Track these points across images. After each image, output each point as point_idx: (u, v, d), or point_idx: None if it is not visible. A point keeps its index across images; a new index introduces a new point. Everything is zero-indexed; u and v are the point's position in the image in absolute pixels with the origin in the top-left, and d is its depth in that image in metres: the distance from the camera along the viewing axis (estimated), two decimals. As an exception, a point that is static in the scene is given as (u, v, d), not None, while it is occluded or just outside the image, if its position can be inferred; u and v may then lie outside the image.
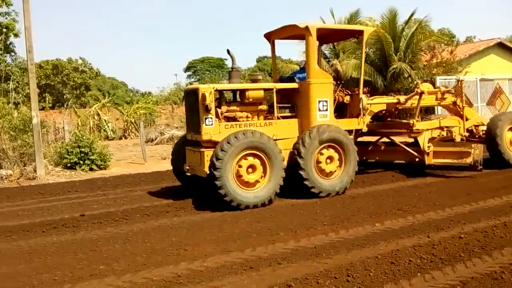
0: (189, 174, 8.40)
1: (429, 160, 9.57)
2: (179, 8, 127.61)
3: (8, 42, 23.65)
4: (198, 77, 56.11)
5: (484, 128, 10.65)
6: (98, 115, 27.79)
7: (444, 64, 21.75)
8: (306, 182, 7.85)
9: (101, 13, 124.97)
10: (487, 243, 5.14)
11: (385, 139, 10.71)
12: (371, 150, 10.65)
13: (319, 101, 8.44)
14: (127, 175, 11.91)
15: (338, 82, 9.63)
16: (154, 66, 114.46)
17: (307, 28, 8.36)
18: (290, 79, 9.35)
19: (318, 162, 8.05)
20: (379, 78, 20.85)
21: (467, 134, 10.47)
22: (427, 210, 6.78)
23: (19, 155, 12.81)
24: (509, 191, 7.83)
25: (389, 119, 10.66)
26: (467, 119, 10.51)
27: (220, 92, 8.31)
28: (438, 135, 10.21)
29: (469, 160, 9.11)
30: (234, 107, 8.24)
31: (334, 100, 8.90)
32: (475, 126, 10.92)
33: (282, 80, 9.77)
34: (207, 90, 7.72)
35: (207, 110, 7.63)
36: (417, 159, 9.70)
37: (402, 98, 9.99)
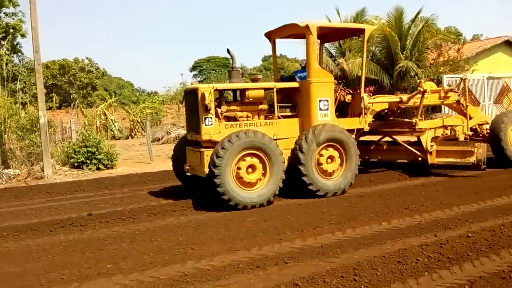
0: (189, 174, 8.36)
1: (432, 159, 9.48)
2: (185, 8, 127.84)
3: (15, 43, 23.76)
4: (204, 76, 56.14)
5: (488, 127, 10.58)
6: (105, 114, 27.93)
7: (451, 63, 21.66)
8: (307, 182, 7.80)
9: (107, 13, 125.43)
10: (494, 242, 5.10)
11: (387, 138, 10.64)
12: (374, 149, 10.58)
13: (320, 100, 8.39)
14: (134, 174, 11.96)
15: (340, 81, 9.58)
16: (160, 66, 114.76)
17: (307, 26, 8.30)
18: (291, 78, 9.29)
19: (318, 162, 7.99)
20: (385, 76, 20.81)
21: (471, 133, 10.38)
22: (434, 209, 6.75)
23: (27, 155, 12.89)
24: (517, 190, 7.77)
25: (391, 118, 10.58)
26: (470, 118, 10.41)
27: (220, 91, 8.27)
28: (442, 134, 10.14)
29: (472, 159, 9.02)
30: (234, 107, 8.20)
31: (336, 99, 8.85)
32: (479, 125, 10.83)
33: (283, 79, 9.72)
34: (207, 90, 7.68)
35: (206, 110, 7.59)
36: (420, 159, 9.61)
37: (405, 97, 9.91)
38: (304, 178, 7.78)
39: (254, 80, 8.92)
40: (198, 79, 57.27)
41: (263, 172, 7.55)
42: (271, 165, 7.54)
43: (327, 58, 22.37)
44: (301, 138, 7.94)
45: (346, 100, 9.16)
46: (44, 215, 7.58)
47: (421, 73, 20.33)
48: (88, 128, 19.79)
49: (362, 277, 4.31)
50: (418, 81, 9.99)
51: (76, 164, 13.02)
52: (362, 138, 10.33)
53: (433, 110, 15.90)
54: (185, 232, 6.18)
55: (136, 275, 4.66)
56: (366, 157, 10.54)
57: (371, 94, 9.71)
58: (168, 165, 12.98)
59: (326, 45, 22.97)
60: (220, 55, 58.81)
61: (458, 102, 10.52)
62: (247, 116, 8.19)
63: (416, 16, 21.55)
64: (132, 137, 28.08)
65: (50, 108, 29.33)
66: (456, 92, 10.60)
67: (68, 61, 45.21)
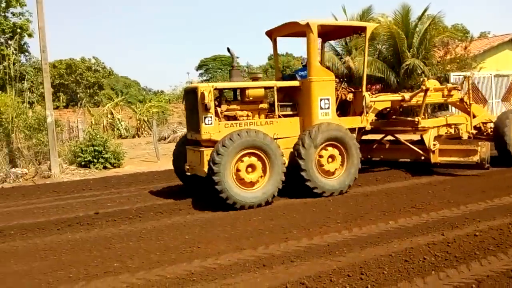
0: (189, 173, 8.31)
1: (435, 158, 9.40)
2: (191, 8, 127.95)
3: (22, 42, 23.86)
4: (210, 75, 56.20)
5: (492, 125, 10.49)
6: (112, 113, 28.05)
7: (458, 60, 21.55)
8: (307, 183, 7.75)
9: (114, 13, 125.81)
10: (502, 241, 5.07)
11: (390, 137, 10.56)
12: (376, 148, 10.49)
13: (321, 99, 8.33)
14: (141, 173, 12.00)
15: (341, 79, 9.53)
16: (166, 65, 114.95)
17: (308, 25, 8.24)
18: (292, 77, 9.23)
19: (319, 161, 7.95)
20: (392, 74, 20.73)
21: (474, 131, 10.30)
22: (441, 208, 6.72)
23: (34, 154, 12.96)
24: (525, 188, 7.72)
25: (394, 116, 10.49)
26: (474, 116, 10.32)
27: (220, 90, 8.23)
28: (446, 133, 10.07)
29: (475, 158, 8.93)
30: (235, 106, 8.14)
31: (337, 98, 8.78)
32: (483, 123, 10.72)
33: (284, 78, 9.67)
34: (206, 89, 7.63)
35: (206, 109, 7.54)
36: (422, 157, 9.53)
37: (407, 95, 9.83)
38: (307, 182, 7.74)
39: (254, 79, 8.87)
40: (204, 78, 57.34)
41: (263, 171, 7.50)
42: (271, 165, 7.49)
43: (333, 56, 22.32)
44: (298, 144, 7.85)
45: (348, 98, 9.09)
46: (52, 214, 7.62)
47: (428, 71, 20.22)
48: (95, 127, 19.91)
49: (369, 276, 4.30)
50: (421, 79, 9.90)
51: (83, 163, 13.08)
52: (364, 137, 10.30)
53: (440, 109, 15.84)
54: (191, 230, 6.19)
55: (143, 273, 4.67)
56: (369, 156, 10.48)
57: (374, 92, 9.64)
58: (174, 164, 13.03)
59: (333, 43, 23.07)
60: (226, 54, 58.76)
61: (461, 100, 10.41)
62: (247, 115, 8.14)
63: (423, 14, 21.45)
64: (139, 136, 28.18)
65: (57, 107, 29.49)
66: (459, 90, 10.51)
67: (75, 61, 45.37)
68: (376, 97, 9.52)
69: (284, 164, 7.67)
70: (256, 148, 7.39)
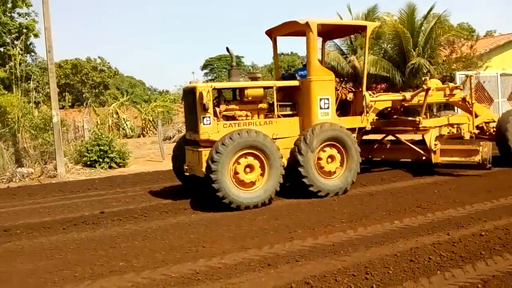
0: (187, 174, 8.24)
1: (436, 158, 9.32)
2: (196, 8, 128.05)
3: (28, 42, 23.94)
4: (215, 75, 56.22)
5: (495, 125, 10.40)
6: (117, 113, 28.14)
7: (463, 59, 21.45)
8: (306, 181, 7.71)
9: (119, 13, 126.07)
10: (508, 241, 5.05)
11: (391, 137, 10.48)
12: (377, 148, 10.44)
13: (321, 99, 8.27)
14: (146, 172, 12.03)
15: (341, 79, 9.48)
16: (171, 65, 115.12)
17: (307, 24, 8.18)
18: (292, 76, 9.18)
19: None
20: (397, 74, 20.69)
21: (477, 131, 10.22)
22: (447, 207, 6.70)
23: (40, 154, 13.02)
24: (531, 188, 7.69)
25: (395, 116, 10.42)
26: (476, 116, 10.24)
27: (219, 90, 8.20)
28: (448, 133, 10.00)
29: (477, 158, 8.86)
30: (233, 106, 8.08)
31: (337, 98, 8.73)
32: (486, 123, 10.65)
33: (284, 77, 9.61)
34: (205, 89, 7.59)
35: (204, 109, 7.50)
36: (423, 158, 9.46)
37: (408, 95, 9.76)
38: (305, 180, 7.70)
39: (254, 78, 8.80)
40: (209, 77, 57.36)
41: (262, 171, 7.46)
42: (270, 165, 7.44)
43: (338, 55, 22.29)
44: (295, 150, 7.78)
45: (348, 98, 9.02)
46: (57, 213, 7.65)
47: (433, 70, 20.16)
48: (100, 127, 19.97)
49: (374, 275, 4.29)
50: (423, 78, 9.82)
51: (88, 163, 13.13)
52: (365, 137, 10.24)
53: (445, 108, 15.77)
54: (196, 230, 6.20)
55: (148, 272, 4.69)
56: (370, 156, 10.43)
57: (375, 92, 9.59)
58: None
59: (338, 42, 23.05)
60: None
61: (464, 99, 10.34)
62: (246, 115, 8.09)
63: (428, 13, 21.38)
64: (144, 136, 28.27)
65: (63, 107, 29.66)
66: (461, 89, 10.45)
67: (80, 61, 45.55)
68: (376, 96, 9.46)
69: (283, 164, 7.62)
70: (254, 148, 7.35)
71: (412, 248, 4.96)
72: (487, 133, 10.58)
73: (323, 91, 8.32)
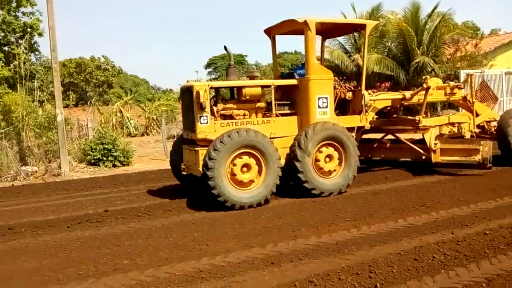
0: (184, 173, 8.19)
1: (436, 158, 9.26)
2: (200, 7, 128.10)
3: (32, 41, 23.97)
4: (218, 73, 56.25)
5: (496, 124, 10.34)
6: (121, 112, 28.17)
7: (468, 58, 21.37)
8: (307, 186, 7.68)
9: (124, 11, 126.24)
10: (513, 240, 5.04)
11: (391, 136, 10.40)
12: (377, 147, 10.38)
13: (319, 98, 8.20)
14: (150, 171, 12.04)
15: (340, 77, 9.43)
16: (175, 63, 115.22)
17: (305, 22, 8.12)
18: (290, 75, 9.11)
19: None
20: (401, 72, 20.63)
21: (477, 130, 10.17)
22: (451, 206, 6.68)
23: (44, 152, 13.06)
24: (536, 186, 7.65)
25: (394, 115, 10.35)
26: (477, 115, 10.18)
27: (216, 89, 8.16)
28: (449, 132, 9.94)
29: (477, 157, 8.79)
30: (231, 105, 8.02)
31: (336, 97, 8.68)
32: (487, 122, 10.59)
33: (283, 76, 9.54)
34: (202, 87, 7.53)
35: (201, 108, 7.45)
36: (423, 157, 9.41)
37: (408, 94, 9.70)
38: (306, 185, 7.68)
39: (251, 77, 8.72)
40: (213, 76, 57.41)
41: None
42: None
43: (342, 54, 22.25)
44: (291, 157, 7.73)
45: (347, 97, 8.96)
46: (61, 212, 7.67)
47: (438, 69, 20.09)
48: (104, 125, 19.97)
49: (378, 274, 4.28)
50: (423, 77, 9.76)
51: (92, 161, 13.15)
52: (365, 136, 10.20)
53: (450, 107, 15.71)
54: (200, 228, 6.21)
55: (152, 271, 4.70)
56: (369, 155, 10.39)
57: (374, 91, 9.54)
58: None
59: (342, 41, 22.99)
60: (235, 52, 58.88)
61: (464, 98, 10.28)
62: (244, 115, 8.02)
63: (433, 11, 21.30)
64: (148, 134, 28.30)
65: (67, 106, 29.73)
66: (462, 88, 10.39)
67: (84, 59, 45.69)
68: (376, 95, 9.40)
69: (280, 165, 7.57)
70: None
71: (416, 247, 4.95)
72: (488, 132, 10.52)
73: (322, 90, 8.26)
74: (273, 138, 7.85)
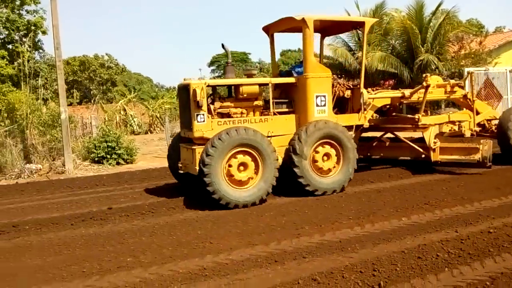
0: (181, 171, 8.14)
1: (435, 156, 9.20)
2: (202, 6, 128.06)
3: (36, 40, 24.08)
4: (222, 71, 56.25)
5: (497, 122, 10.28)
6: (124, 110, 28.22)
7: (472, 56, 21.29)
8: (309, 189, 7.65)
9: (128, 9, 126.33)
10: (517, 238, 5.02)
11: (391, 135, 10.33)
12: (376, 146, 10.31)
13: (317, 96, 8.14)
14: (153, 169, 12.05)
15: (342, 75, 9.39)
16: (179, 61, 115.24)
17: (303, 20, 8.07)
18: (289, 73, 9.05)
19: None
20: (405, 70, 20.60)
21: (478, 128, 10.11)
22: (455, 204, 6.66)
23: (48, 150, 13.09)
24: (541, 185, 7.62)
25: (394, 113, 10.31)
26: (478, 113, 10.12)
27: (213, 87, 8.11)
28: (450, 130, 9.90)
29: (477, 156, 8.73)
30: (228, 103, 7.97)
31: (334, 95, 8.63)
32: (488, 120, 10.53)
33: (281, 74, 9.47)
34: (198, 86, 7.47)
35: (198, 106, 7.40)
36: (423, 156, 9.36)
37: (407, 92, 9.63)
38: (308, 188, 7.65)
39: (249, 75, 8.67)
40: (216, 74, 57.42)
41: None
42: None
43: (346, 52, 22.23)
44: (289, 162, 7.65)
45: (345, 95, 8.91)
46: (65, 209, 7.69)
47: (442, 67, 20.05)
48: (108, 123, 20.07)
49: (381, 272, 4.28)
50: (423, 75, 9.71)
51: (96, 159, 13.18)
52: (364, 134, 10.16)
53: (453, 105, 15.65)
54: (203, 226, 6.22)
55: (156, 268, 4.70)
56: (368, 154, 10.34)
57: (374, 89, 9.50)
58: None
59: (345, 38, 22.98)
60: (238, 50, 58.86)
61: (465, 96, 10.21)
62: (242, 113, 7.96)
63: (437, 9, 21.26)
64: (151, 132, 28.34)
65: (70, 104, 29.78)
66: (462, 86, 10.32)
67: (88, 58, 45.76)
68: (375, 93, 9.34)
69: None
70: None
71: (420, 245, 4.94)
72: (489, 131, 10.46)
73: (320, 88, 8.20)
74: (271, 136, 7.81)
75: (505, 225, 5.48)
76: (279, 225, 6.10)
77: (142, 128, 28.41)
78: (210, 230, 6.03)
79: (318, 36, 9.82)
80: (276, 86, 8.50)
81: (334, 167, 7.98)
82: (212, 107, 7.80)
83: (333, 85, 8.61)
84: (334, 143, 7.95)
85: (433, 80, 9.75)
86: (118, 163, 13.25)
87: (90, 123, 19.59)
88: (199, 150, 7.33)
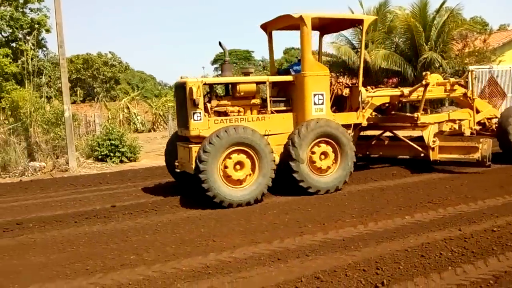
0: (178, 170, 8.11)
1: (434, 155, 9.16)
2: (205, 5, 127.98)
3: (40, 38, 24.09)
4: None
5: (497, 121, 10.23)
6: (128, 108, 28.28)
7: (476, 53, 21.21)
8: (309, 190, 7.64)
9: (131, 7, 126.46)
10: (521, 237, 5.00)
11: (390, 134, 10.29)
12: (375, 144, 10.29)
13: (315, 95, 8.11)
14: (157, 167, 12.07)
15: (336, 74, 9.36)
16: (182, 59, 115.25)
17: (301, 18, 8.03)
18: (286, 71, 9.02)
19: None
20: (409, 68, 20.54)
21: (478, 127, 10.07)
22: (459, 203, 6.65)
23: (52, 148, 13.12)
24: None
25: (393, 112, 10.25)
26: (478, 112, 10.08)
27: (210, 86, 8.09)
28: (450, 129, 9.87)
29: (476, 155, 8.69)
30: (225, 102, 7.95)
31: (332, 93, 8.59)
32: (488, 119, 10.48)
33: (279, 72, 9.42)
34: (195, 84, 7.44)
35: (194, 104, 7.36)
36: (422, 154, 9.32)
37: (406, 90, 9.58)
38: (310, 190, 7.64)
39: (246, 73, 8.65)
40: (219, 72, 57.41)
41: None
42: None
43: (349, 49, 22.18)
44: (287, 166, 7.62)
45: (344, 94, 8.87)
46: (69, 207, 7.71)
47: (445, 65, 19.98)
48: (111, 121, 20.04)
49: (384, 270, 4.28)
50: (423, 74, 9.67)
51: (100, 157, 13.22)
52: (363, 133, 10.12)
53: (457, 104, 15.62)
54: (207, 224, 6.22)
55: (159, 266, 4.71)
56: (367, 153, 10.32)
57: (373, 87, 9.47)
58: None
59: (348, 36, 22.92)
60: (241, 48, 58.84)
61: (465, 95, 10.17)
62: (239, 111, 7.94)
63: (441, 6, 21.17)
64: (155, 130, 28.41)
65: (74, 102, 29.83)
66: (462, 84, 10.27)
67: (91, 56, 45.80)
68: (374, 92, 9.30)
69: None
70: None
71: (423, 243, 4.94)
72: (489, 130, 10.41)
73: (317, 87, 8.17)
74: (268, 135, 7.79)
75: (509, 224, 5.47)
76: (282, 223, 6.10)
77: (146, 126, 28.48)
78: (213, 228, 6.03)
79: (316, 34, 9.79)
80: (274, 85, 8.48)
81: (333, 164, 7.96)
82: (209, 105, 7.78)
83: (331, 83, 8.57)
84: (330, 140, 7.92)
85: (433, 78, 9.72)
86: (121, 161, 13.28)
87: (94, 121, 19.63)
88: (195, 148, 7.30)
